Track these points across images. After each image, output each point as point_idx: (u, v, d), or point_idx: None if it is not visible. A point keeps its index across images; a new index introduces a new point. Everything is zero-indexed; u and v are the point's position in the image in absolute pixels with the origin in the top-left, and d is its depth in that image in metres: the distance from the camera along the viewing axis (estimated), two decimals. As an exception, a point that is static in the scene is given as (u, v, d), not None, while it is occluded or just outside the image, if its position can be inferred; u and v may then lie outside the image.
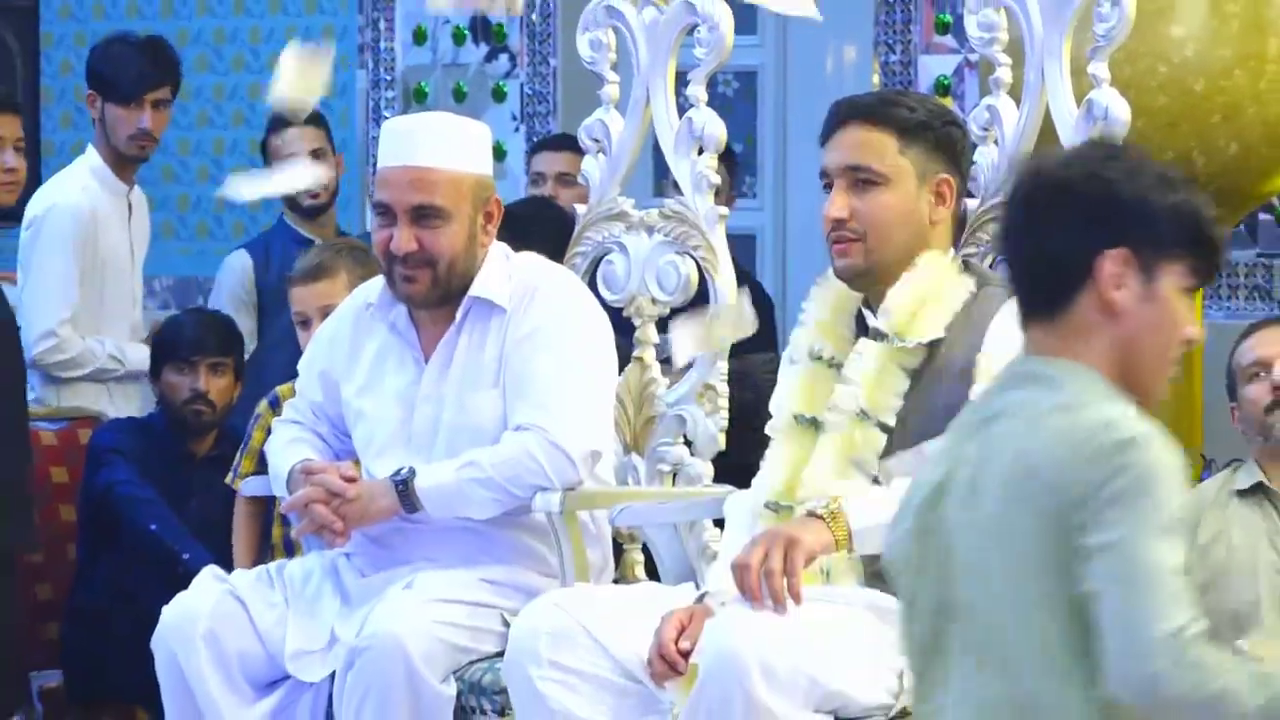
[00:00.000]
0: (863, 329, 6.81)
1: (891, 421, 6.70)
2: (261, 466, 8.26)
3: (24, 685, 9.73)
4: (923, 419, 6.68)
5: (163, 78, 10.66)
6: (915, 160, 6.76)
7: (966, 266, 6.86)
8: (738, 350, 7.57)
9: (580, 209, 7.75)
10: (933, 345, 6.71)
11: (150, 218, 10.94)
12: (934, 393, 6.70)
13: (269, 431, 8.04)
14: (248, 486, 8.59)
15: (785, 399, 6.91)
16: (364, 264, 8.19)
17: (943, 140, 6.82)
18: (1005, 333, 6.55)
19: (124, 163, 10.55)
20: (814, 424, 6.81)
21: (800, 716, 6.45)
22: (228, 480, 8.77)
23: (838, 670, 6.51)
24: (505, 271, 7.44)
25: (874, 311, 6.77)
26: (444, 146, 7.42)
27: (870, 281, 6.79)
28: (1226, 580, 8.10)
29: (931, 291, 6.74)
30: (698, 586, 6.96)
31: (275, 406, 8.38)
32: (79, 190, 10.34)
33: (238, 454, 8.73)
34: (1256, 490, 8.14)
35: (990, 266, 7.00)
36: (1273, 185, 10.69)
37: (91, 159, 10.45)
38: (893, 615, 6.60)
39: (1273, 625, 8.00)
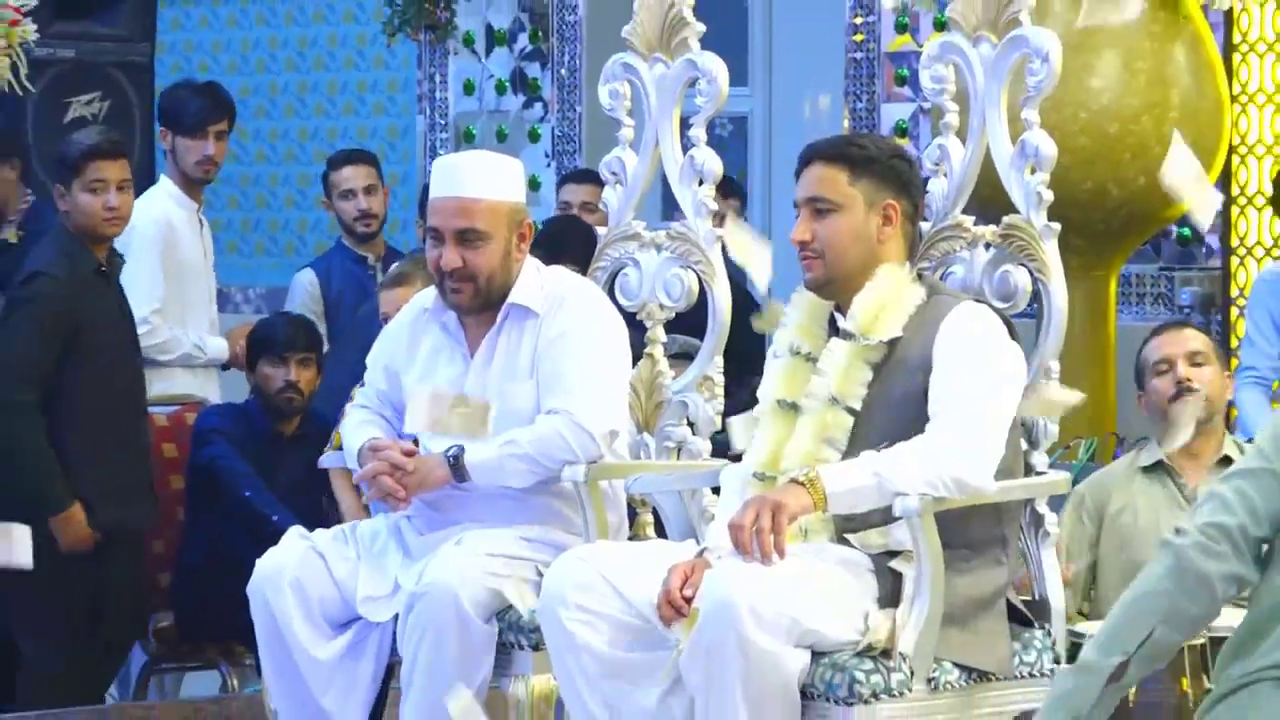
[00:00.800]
0: (834, 330, 6.81)
1: (858, 406, 6.69)
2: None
3: (143, 624, 9.78)
4: (884, 405, 6.71)
5: (221, 113, 10.67)
6: (864, 190, 6.77)
7: (920, 277, 6.86)
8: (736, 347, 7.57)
9: (601, 231, 7.74)
10: (892, 343, 6.70)
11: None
12: (893, 383, 6.71)
13: None
14: (325, 460, 8.57)
15: (769, 387, 6.91)
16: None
17: (889, 172, 6.81)
18: (955, 329, 6.67)
19: (192, 184, 10.56)
20: (794, 408, 6.80)
21: (783, 651, 6.43)
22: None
23: (814, 612, 6.49)
24: (538, 283, 7.46)
25: (843, 315, 6.78)
26: (484, 179, 7.43)
27: (834, 290, 6.81)
28: (1133, 544, 8.08)
29: (890, 298, 6.73)
30: (698, 543, 6.94)
31: None
32: (158, 208, 10.35)
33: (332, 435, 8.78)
34: (1158, 467, 8.12)
35: (941, 278, 6.99)
36: (1173, 212, 10.66)
37: (165, 184, 10.48)
38: (859, 567, 6.62)
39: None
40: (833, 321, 6.83)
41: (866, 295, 6.73)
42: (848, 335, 6.73)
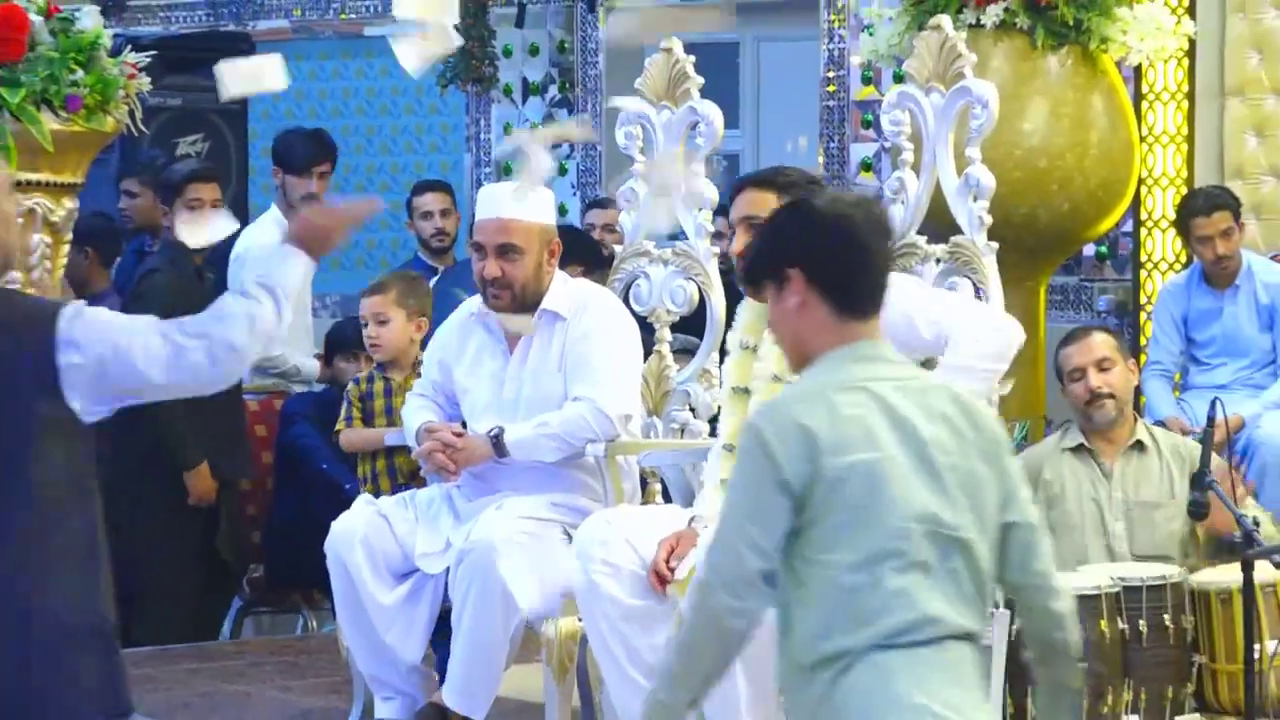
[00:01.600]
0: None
1: (793, 379, 6.72)
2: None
3: (239, 576, 9.83)
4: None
5: (325, 156, 10.67)
6: None
7: None
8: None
9: (618, 248, 7.73)
10: None
11: (323, 257, 10.91)
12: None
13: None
14: (389, 438, 8.52)
15: (727, 377, 6.97)
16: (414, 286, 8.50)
17: (804, 193, 6.82)
18: (901, 301, 6.58)
19: (295, 214, 10.55)
20: (746, 391, 6.83)
21: (768, 596, 6.46)
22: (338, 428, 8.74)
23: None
24: (565, 292, 7.47)
25: None
26: (520, 204, 7.43)
27: None
28: (1059, 506, 8.06)
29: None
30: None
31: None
32: (267, 233, 10.34)
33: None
34: (1080, 449, 8.09)
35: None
36: (1092, 233, 10.69)
37: (274, 212, 10.46)
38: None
39: (1094, 543, 7.97)
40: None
41: None
42: None
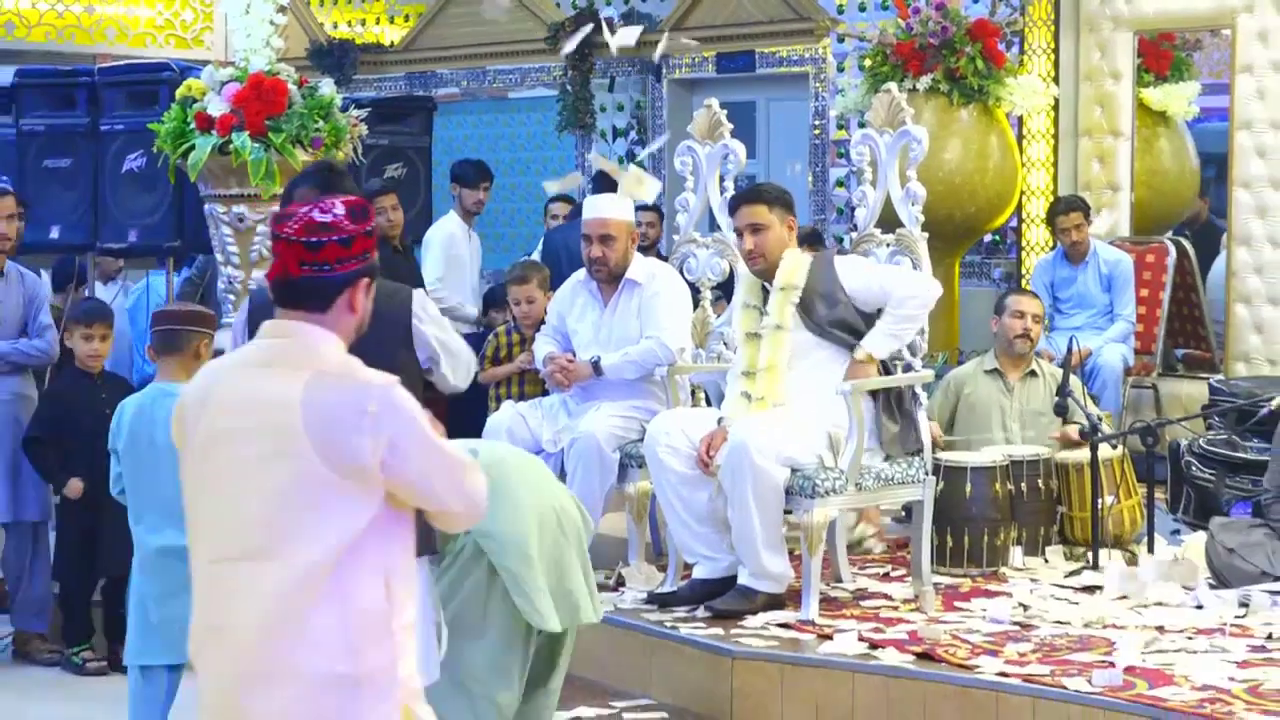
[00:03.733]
0: (766, 292, 6.76)
1: (789, 328, 6.66)
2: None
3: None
4: (821, 332, 6.70)
5: (486, 176, 10.62)
6: (776, 213, 6.72)
7: (808, 249, 6.82)
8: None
9: (676, 238, 7.67)
10: (803, 292, 6.67)
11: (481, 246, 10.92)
12: (815, 314, 6.69)
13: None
14: (521, 361, 8.36)
15: (738, 326, 6.90)
16: (541, 270, 8.30)
17: (783, 201, 6.78)
18: (848, 263, 6.79)
19: (468, 215, 10.49)
20: (756, 335, 6.76)
21: (774, 469, 6.42)
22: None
23: (792, 446, 6.47)
24: (641, 266, 7.43)
25: (769, 282, 6.76)
26: (613, 208, 7.39)
27: (766, 273, 6.76)
28: (974, 412, 8.01)
29: (794, 266, 6.69)
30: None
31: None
32: (446, 228, 10.31)
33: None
34: (993, 371, 8.04)
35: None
36: (990, 226, 10.67)
37: (452, 215, 10.41)
38: (823, 423, 6.56)
39: (997, 434, 7.92)
40: (764, 287, 6.78)
41: (783, 268, 6.72)
42: (779, 289, 6.70)
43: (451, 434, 4.10)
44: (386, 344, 4.88)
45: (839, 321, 6.66)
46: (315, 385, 3.45)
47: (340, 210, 3.54)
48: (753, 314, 6.83)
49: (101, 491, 6.35)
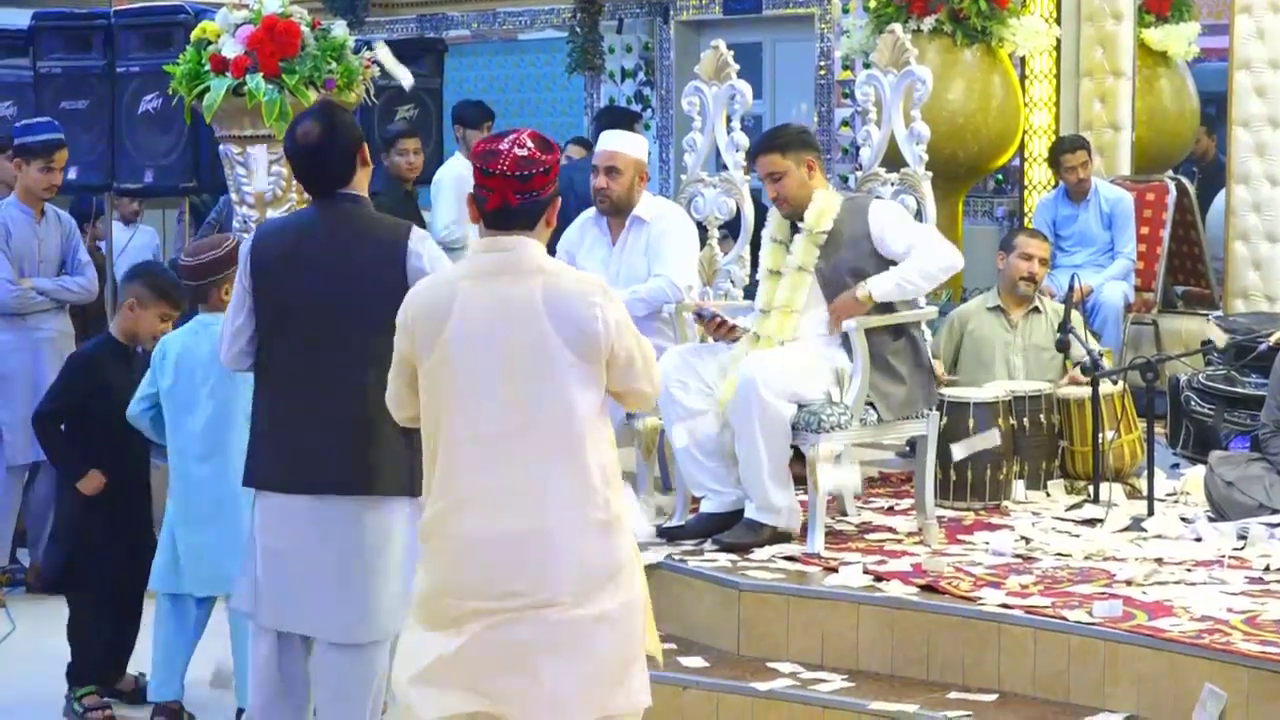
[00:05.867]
0: (794, 230, 6.71)
1: (811, 269, 6.62)
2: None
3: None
4: (826, 268, 6.63)
5: (488, 115, 10.58)
6: (791, 157, 6.60)
7: (839, 191, 6.74)
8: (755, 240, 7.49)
9: (684, 177, 7.63)
10: (829, 232, 6.61)
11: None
12: (835, 255, 6.62)
13: None
14: None
15: (764, 261, 6.84)
16: None
17: (799, 142, 6.66)
18: (881, 211, 6.63)
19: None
20: (777, 273, 6.72)
21: (781, 404, 6.40)
22: None
23: (799, 382, 6.46)
24: (649, 203, 7.38)
25: (797, 222, 6.68)
26: (621, 144, 7.33)
27: (794, 213, 6.67)
28: (979, 348, 8.00)
29: (824, 208, 6.62)
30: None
31: None
32: (454, 169, 10.27)
33: None
34: (996, 308, 8.02)
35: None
36: (993, 165, 10.66)
37: (458, 157, 10.36)
38: (830, 359, 6.54)
39: (1000, 370, 7.90)
40: (793, 225, 6.74)
41: (812, 209, 6.63)
42: (805, 231, 6.65)
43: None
44: (380, 271, 4.86)
45: (858, 270, 6.59)
46: (550, 287, 4.17)
47: (532, 144, 4.20)
48: (779, 250, 6.78)
49: (124, 489, 6.13)
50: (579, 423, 4.16)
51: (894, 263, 6.53)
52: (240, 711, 5.88)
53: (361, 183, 5.09)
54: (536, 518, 4.13)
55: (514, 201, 4.20)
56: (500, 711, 4.18)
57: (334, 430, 4.84)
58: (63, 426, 6.35)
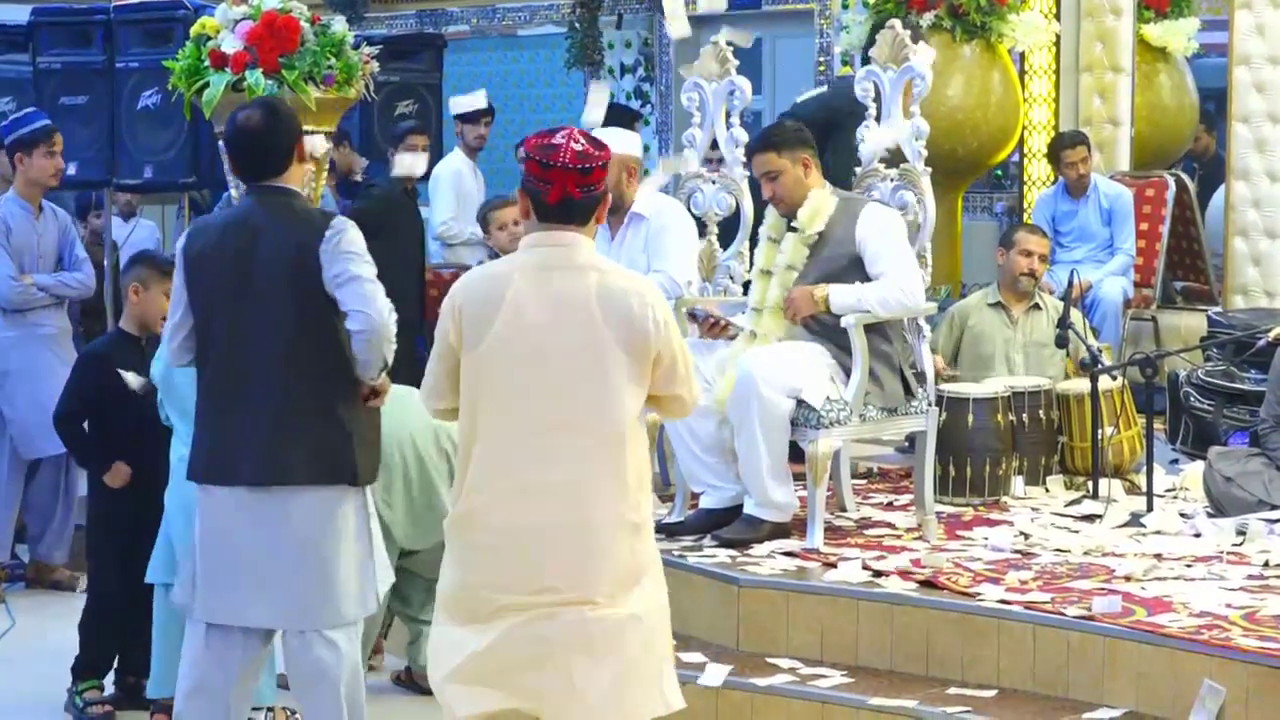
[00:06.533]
0: (790, 229, 6.71)
1: (800, 268, 6.61)
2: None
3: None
4: (815, 268, 6.61)
5: (486, 111, 10.58)
6: (786, 156, 6.58)
7: (833, 191, 6.71)
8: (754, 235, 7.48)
9: (683, 173, 7.62)
10: (821, 233, 6.60)
11: (489, 179, 10.90)
12: (822, 255, 6.61)
13: None
14: None
15: (756, 261, 6.85)
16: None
17: (794, 141, 6.63)
18: (872, 219, 6.56)
19: (471, 151, 10.49)
20: (768, 272, 6.72)
21: (780, 399, 6.39)
22: None
23: (798, 377, 6.45)
24: (648, 199, 7.36)
25: (791, 220, 6.67)
26: (610, 141, 7.28)
27: (789, 211, 6.66)
28: (979, 343, 7.99)
29: (817, 208, 6.61)
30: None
31: None
32: (452, 165, 10.29)
33: None
34: (997, 304, 8.01)
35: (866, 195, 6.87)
36: (992, 161, 10.63)
37: (457, 152, 10.39)
38: (826, 355, 6.53)
39: (1000, 366, 7.90)
40: (789, 224, 6.73)
41: (805, 209, 6.62)
42: (796, 231, 6.65)
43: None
44: (308, 262, 4.89)
45: (835, 276, 6.57)
46: (604, 284, 4.20)
47: (584, 140, 4.24)
48: (772, 249, 6.77)
49: (146, 482, 6.06)
50: (623, 423, 4.19)
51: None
52: (153, 703, 5.97)
53: (295, 177, 5.14)
54: (577, 514, 4.15)
55: (576, 194, 4.22)
56: (532, 709, 4.19)
57: (267, 422, 4.90)
58: (84, 426, 6.36)
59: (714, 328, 6.71)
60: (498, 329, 4.17)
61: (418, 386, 4.44)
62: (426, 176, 10.13)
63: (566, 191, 4.20)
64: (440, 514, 5.24)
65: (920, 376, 6.71)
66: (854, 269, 6.54)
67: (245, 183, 5.16)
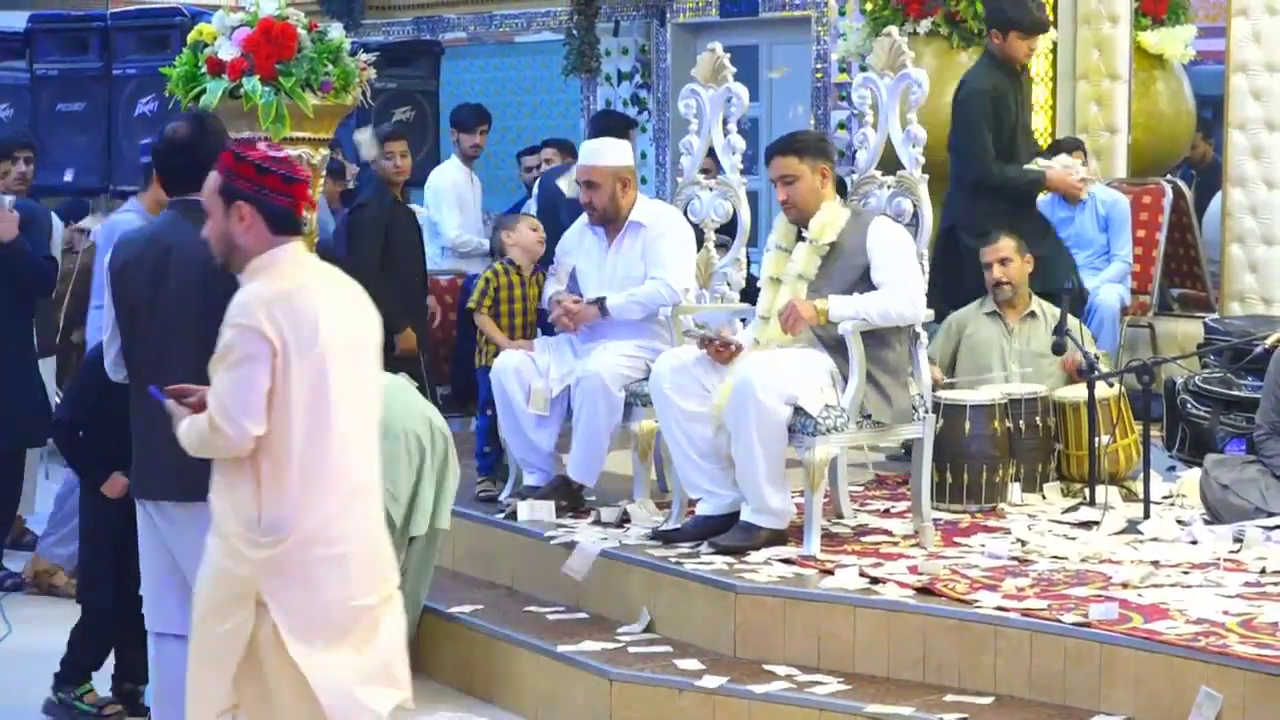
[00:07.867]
0: (800, 238, 6.72)
1: (812, 278, 6.63)
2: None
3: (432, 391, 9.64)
4: (826, 279, 6.64)
5: (484, 119, 10.58)
6: (807, 163, 6.65)
7: (846, 204, 6.74)
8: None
9: (680, 180, 7.62)
10: (832, 244, 6.62)
11: (487, 186, 10.90)
12: (833, 267, 6.64)
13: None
14: (505, 344, 8.15)
15: (765, 269, 6.86)
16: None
17: (816, 149, 6.71)
18: (880, 233, 6.61)
19: (468, 159, 10.49)
20: (778, 280, 6.74)
21: (778, 406, 6.40)
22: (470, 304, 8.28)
23: (795, 384, 6.45)
24: (645, 206, 7.39)
25: (803, 229, 6.68)
26: (600, 154, 7.34)
27: (800, 220, 6.70)
28: (976, 352, 7.99)
29: (830, 219, 6.64)
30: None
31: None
32: (449, 174, 10.29)
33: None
34: (993, 313, 8.00)
35: (862, 204, 6.87)
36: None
37: (453, 160, 10.41)
38: (824, 362, 6.54)
39: (996, 375, 7.89)
40: (799, 233, 6.74)
41: (817, 219, 6.65)
42: (808, 240, 6.66)
43: (453, 378, 4.54)
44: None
45: (855, 286, 6.60)
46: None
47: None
48: (782, 258, 6.80)
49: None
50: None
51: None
52: (150, 710, 5.90)
53: None
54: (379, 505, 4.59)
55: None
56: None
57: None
58: (80, 434, 6.27)
59: (722, 350, 6.69)
60: (322, 336, 4.42)
61: (418, 386, 4.57)
62: (421, 182, 10.15)
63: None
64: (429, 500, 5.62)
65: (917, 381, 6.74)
66: (866, 281, 6.59)
67: (169, 195, 5.21)
